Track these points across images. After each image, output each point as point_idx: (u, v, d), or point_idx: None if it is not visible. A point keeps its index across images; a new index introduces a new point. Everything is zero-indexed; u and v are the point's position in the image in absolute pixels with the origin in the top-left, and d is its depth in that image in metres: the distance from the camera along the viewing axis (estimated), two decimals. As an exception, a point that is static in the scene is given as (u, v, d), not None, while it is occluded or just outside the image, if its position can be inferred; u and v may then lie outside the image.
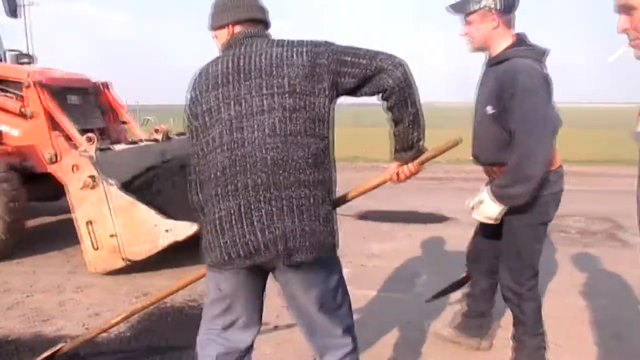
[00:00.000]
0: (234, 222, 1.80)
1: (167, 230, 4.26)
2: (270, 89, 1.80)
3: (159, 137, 5.63)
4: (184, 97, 1.97)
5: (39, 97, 5.25)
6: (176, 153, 5.54)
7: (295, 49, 1.84)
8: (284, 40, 1.89)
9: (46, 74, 5.64)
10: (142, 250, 4.35)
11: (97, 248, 4.43)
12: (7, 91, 5.47)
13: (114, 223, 4.34)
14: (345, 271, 4.57)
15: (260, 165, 1.78)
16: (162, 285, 4.31)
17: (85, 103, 6.10)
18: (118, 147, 5.12)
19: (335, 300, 2.00)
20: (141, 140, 5.68)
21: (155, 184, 4.79)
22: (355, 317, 3.36)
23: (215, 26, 1.99)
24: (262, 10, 1.99)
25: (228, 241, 1.81)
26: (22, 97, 5.35)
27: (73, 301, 4.06)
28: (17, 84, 5.42)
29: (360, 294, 4.09)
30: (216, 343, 2.02)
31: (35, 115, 5.26)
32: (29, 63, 6.86)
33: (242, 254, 1.81)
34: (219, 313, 2.00)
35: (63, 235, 5.56)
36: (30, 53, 7.31)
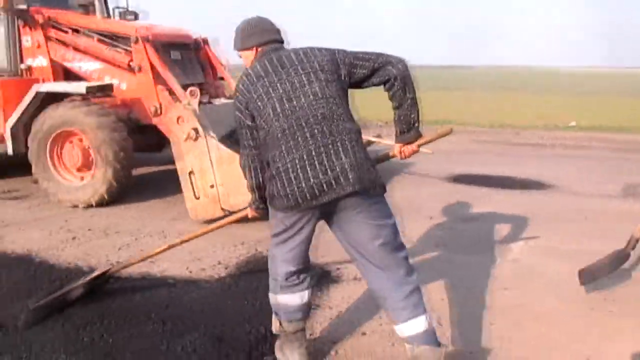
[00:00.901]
0: (299, 170, 2.20)
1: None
2: (305, 69, 2.32)
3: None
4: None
5: (146, 52, 5.50)
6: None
7: (315, 48, 2.40)
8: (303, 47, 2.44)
9: (152, 30, 5.87)
10: (239, 202, 4.50)
11: (198, 197, 4.64)
12: (117, 46, 5.76)
13: (215, 174, 4.52)
14: (438, 234, 4.55)
15: (313, 120, 2.24)
16: (256, 236, 4.49)
17: (185, 58, 6.31)
18: (218, 102, 5.29)
19: (395, 239, 2.35)
20: (238, 96, 5.80)
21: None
22: (445, 280, 3.32)
23: (241, 48, 2.53)
24: (279, 32, 2.52)
25: (295, 188, 2.20)
26: (130, 52, 5.63)
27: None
28: (126, 40, 5.70)
29: (452, 257, 4.03)
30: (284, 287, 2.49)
31: (142, 69, 5.53)
32: (134, 19, 7.18)
33: (309, 197, 2.19)
34: (284, 239, 2.40)
35: (166, 184, 5.89)
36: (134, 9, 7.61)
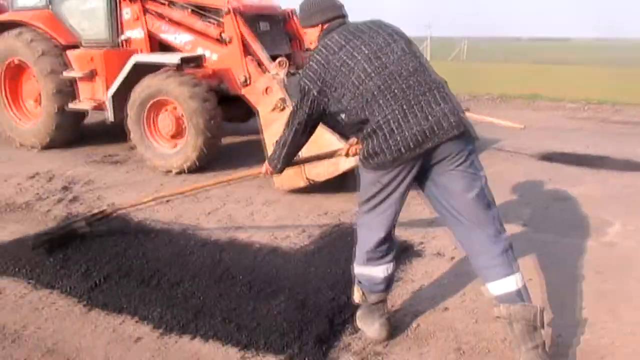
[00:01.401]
0: (400, 120, 2.25)
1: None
2: (386, 31, 2.45)
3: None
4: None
5: (236, 23, 5.62)
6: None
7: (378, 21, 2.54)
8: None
9: (242, 2, 5.98)
10: (323, 172, 4.56)
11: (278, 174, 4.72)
12: (208, 18, 5.92)
13: (299, 144, 4.57)
14: (527, 212, 4.38)
15: (405, 73, 2.31)
16: (340, 207, 4.54)
17: (273, 30, 6.39)
18: (304, 73, 5.32)
19: (487, 194, 2.38)
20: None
21: (338, 109, 4.91)
22: (534, 260, 3.24)
23: (307, 25, 2.64)
24: (341, 7, 2.61)
25: (398, 138, 2.24)
26: (221, 23, 5.77)
27: (261, 213, 4.44)
28: (217, 11, 5.84)
29: (542, 238, 3.88)
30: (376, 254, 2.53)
31: (232, 41, 5.66)
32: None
33: (412, 145, 2.24)
34: (378, 201, 2.42)
35: (251, 153, 6.05)
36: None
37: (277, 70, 4.77)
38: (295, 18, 6.79)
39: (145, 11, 6.14)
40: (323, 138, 4.47)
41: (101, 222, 3.82)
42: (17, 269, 3.36)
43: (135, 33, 6.22)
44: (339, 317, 2.81)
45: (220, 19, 5.76)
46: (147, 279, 3.20)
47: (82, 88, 6.33)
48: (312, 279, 3.23)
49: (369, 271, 2.58)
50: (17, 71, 6.74)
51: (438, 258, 3.56)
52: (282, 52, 6.17)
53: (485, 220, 2.36)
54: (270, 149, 4.71)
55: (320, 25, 2.57)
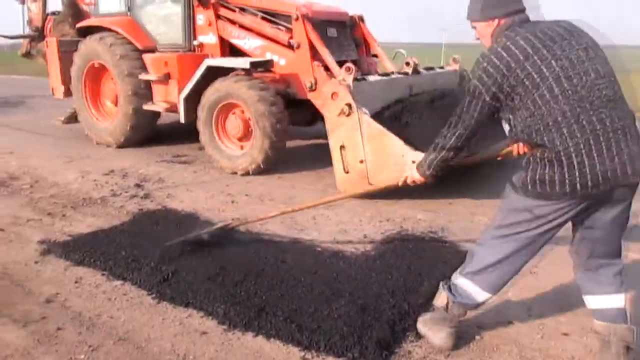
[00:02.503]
0: (584, 155, 2.05)
1: (413, 162, 4.33)
2: (580, 44, 2.14)
3: (409, 70, 5.69)
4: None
5: (305, 29, 5.71)
6: (424, 87, 5.56)
7: (570, 21, 2.24)
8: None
9: (311, 8, 6.07)
10: (387, 178, 4.52)
11: (347, 172, 4.76)
12: (278, 24, 6.05)
13: (365, 150, 4.59)
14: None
15: (598, 103, 2.06)
16: (403, 213, 4.51)
17: (341, 35, 6.44)
18: (371, 78, 5.34)
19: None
20: (392, 73, 5.81)
21: (404, 116, 4.89)
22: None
23: (479, 19, 2.34)
24: (521, 0, 2.31)
25: (577, 174, 2.06)
26: (290, 29, 5.88)
27: (324, 217, 4.48)
28: (287, 17, 5.95)
29: None
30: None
31: (300, 46, 5.76)
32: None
33: (591, 184, 2.06)
34: (520, 231, 2.28)
35: (315, 157, 6.12)
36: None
37: (344, 76, 4.80)
38: (362, 24, 6.83)
39: (218, 17, 6.34)
40: (390, 145, 4.47)
41: (224, 233, 3.84)
42: (93, 260, 3.55)
43: (208, 38, 6.44)
44: (400, 324, 2.79)
45: (290, 25, 5.87)
46: (212, 276, 3.29)
47: (157, 90, 6.62)
48: (373, 284, 3.22)
49: (473, 291, 2.48)
50: (97, 73, 7.14)
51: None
52: (349, 57, 6.21)
53: (619, 247, 2.37)
54: (336, 153, 4.77)
55: (497, 20, 2.29)
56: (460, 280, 2.52)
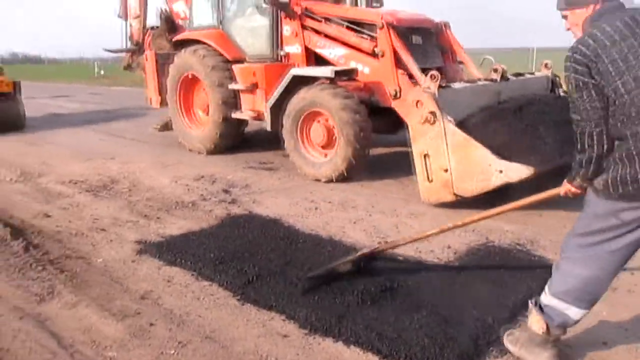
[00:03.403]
0: None
1: (500, 171, 4.23)
2: None
3: (496, 77, 5.52)
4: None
5: (389, 37, 5.71)
6: (513, 94, 5.37)
7: None
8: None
9: (396, 16, 6.06)
10: (472, 188, 4.43)
11: (431, 180, 4.69)
12: (362, 32, 6.09)
13: (449, 158, 4.51)
14: None
15: None
16: (487, 224, 4.37)
17: (426, 43, 6.37)
18: (456, 86, 5.24)
19: None
20: (479, 80, 5.67)
21: (491, 124, 4.75)
22: None
23: (574, 6, 2.26)
24: None
25: None
26: (374, 37, 5.90)
27: (406, 225, 4.44)
28: (371, 26, 5.98)
29: None
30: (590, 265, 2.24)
31: (384, 54, 5.76)
32: (380, 6, 7.49)
33: None
34: (607, 238, 2.17)
35: (399, 166, 6.07)
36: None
37: (428, 84, 4.75)
38: (448, 31, 6.72)
39: (304, 27, 6.48)
40: (476, 153, 4.36)
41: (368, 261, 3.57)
42: (183, 261, 3.74)
43: (294, 48, 6.60)
44: (484, 338, 2.71)
45: (374, 34, 5.89)
46: (294, 281, 3.37)
47: (244, 99, 6.87)
48: (456, 296, 3.16)
49: (565, 309, 2.36)
50: (190, 83, 7.52)
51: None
52: (434, 65, 6.13)
53: None
54: (419, 161, 4.73)
55: (585, 7, 2.22)
56: (551, 300, 2.40)
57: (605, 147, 2.14)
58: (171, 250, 3.91)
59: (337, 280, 3.36)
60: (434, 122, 4.55)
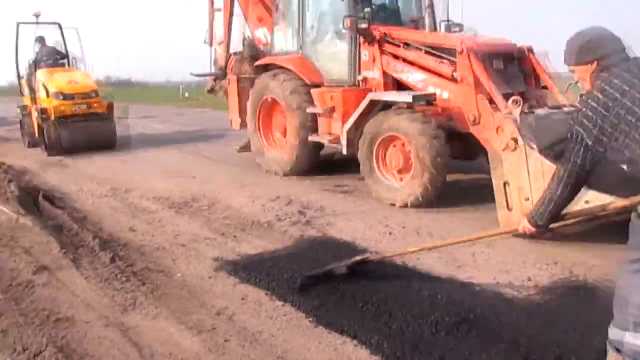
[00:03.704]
0: None
1: (586, 202, 4.00)
2: None
3: (584, 103, 5.27)
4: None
5: (470, 62, 5.62)
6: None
7: None
8: None
9: (476, 41, 5.97)
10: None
11: (511, 209, 4.53)
12: (441, 57, 6.03)
13: (531, 187, 4.34)
14: None
15: None
16: (574, 257, 4.15)
17: (508, 67, 6.20)
18: (540, 111, 5.05)
19: None
20: (564, 106, 5.45)
21: (577, 152, 4.53)
22: None
23: (575, 62, 2.38)
24: (620, 40, 2.32)
25: None
26: (454, 62, 5.83)
27: (484, 254, 4.29)
28: (451, 51, 5.92)
29: None
30: None
31: (464, 79, 5.67)
32: (459, 31, 7.41)
33: None
34: None
35: (477, 193, 5.91)
36: (460, 21, 7.81)
37: (510, 109, 4.62)
38: (532, 55, 6.51)
39: (382, 52, 6.51)
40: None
41: (360, 267, 3.83)
42: (258, 280, 3.81)
43: (372, 73, 6.64)
44: (568, 379, 2.55)
45: (454, 58, 5.82)
46: (367, 306, 3.33)
47: (322, 123, 6.97)
48: (537, 332, 3.00)
49: (636, 340, 2.21)
50: (270, 107, 7.74)
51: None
52: (516, 90, 5.95)
53: None
54: (499, 189, 4.58)
55: (595, 63, 2.32)
56: (617, 334, 2.25)
57: (566, 198, 2.40)
58: (246, 269, 4.00)
59: (332, 281, 3.67)
60: (516, 148, 4.41)
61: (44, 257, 4.43)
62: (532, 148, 4.37)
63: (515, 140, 4.41)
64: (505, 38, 6.65)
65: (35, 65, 11.28)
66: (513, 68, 6.29)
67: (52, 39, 11.87)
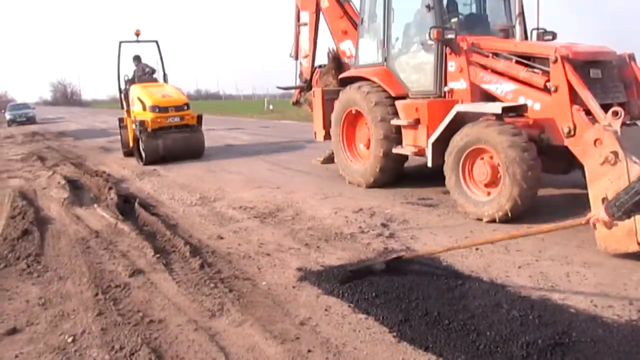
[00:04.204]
0: None
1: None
2: None
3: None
4: None
5: (564, 71, 5.36)
6: None
7: None
8: None
9: (571, 49, 5.67)
10: (662, 239, 3.92)
11: (610, 227, 4.22)
12: (533, 67, 5.79)
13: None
14: None
15: None
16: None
17: (607, 76, 5.85)
18: (644, 124, 4.72)
19: None
20: (671, 118, 5.06)
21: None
22: None
23: None
24: None
25: None
26: (547, 72, 5.57)
27: (579, 275, 4.04)
28: (543, 60, 5.67)
29: None
30: None
31: (558, 89, 5.41)
32: (552, 39, 7.09)
33: None
34: None
35: (569, 208, 5.59)
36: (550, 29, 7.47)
37: (609, 120, 4.35)
38: (634, 63, 6.10)
39: (470, 63, 6.36)
40: None
41: (398, 264, 4.13)
42: (341, 292, 3.81)
43: (458, 84, 6.49)
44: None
45: (547, 68, 5.57)
46: (452, 324, 3.24)
47: (406, 135, 6.89)
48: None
49: None
50: (354, 119, 7.78)
51: None
52: (616, 100, 5.60)
53: None
54: (596, 204, 4.30)
55: None
56: None
57: None
58: (330, 280, 4.01)
59: (372, 275, 3.99)
60: (616, 162, 4.13)
61: (140, 261, 4.69)
62: (635, 162, 4.11)
63: (616, 154, 4.13)
64: (605, 45, 6.29)
65: (133, 81, 12.13)
66: (612, 77, 5.93)
67: (146, 56, 12.79)
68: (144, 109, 11.07)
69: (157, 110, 10.92)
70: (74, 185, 8.40)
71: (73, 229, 5.84)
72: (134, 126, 11.35)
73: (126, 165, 10.91)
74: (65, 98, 66.47)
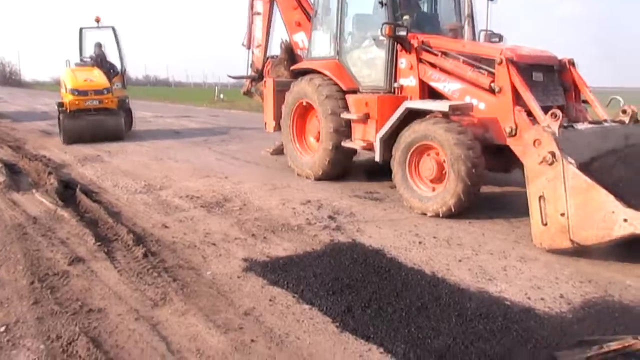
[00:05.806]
0: None
1: (625, 220, 3.91)
2: None
3: (625, 119, 5.16)
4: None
5: (508, 73, 5.54)
6: (644, 138, 4.97)
7: None
8: None
9: (516, 52, 5.86)
10: (592, 236, 4.13)
11: (545, 224, 4.43)
12: (479, 67, 5.96)
13: (567, 202, 4.24)
14: None
15: None
16: (607, 276, 4.06)
17: (548, 80, 6.09)
18: (580, 126, 4.96)
19: None
20: (605, 121, 5.33)
21: (617, 168, 4.43)
22: None
23: None
24: None
25: None
26: (492, 73, 5.75)
27: (515, 269, 4.21)
28: (489, 61, 5.84)
29: None
30: None
31: (502, 90, 5.59)
32: (499, 41, 7.32)
33: None
34: None
35: (509, 205, 5.83)
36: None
37: (548, 122, 4.54)
38: (573, 69, 6.39)
39: (420, 61, 6.47)
40: (598, 199, 4.08)
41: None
42: (286, 282, 3.83)
43: (408, 81, 6.61)
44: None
45: (492, 69, 5.75)
46: (393, 315, 3.31)
47: (356, 129, 6.96)
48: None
49: None
50: (304, 111, 7.79)
51: None
52: (556, 103, 5.85)
53: None
54: (534, 203, 4.49)
55: None
56: None
57: None
58: (275, 271, 4.02)
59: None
60: (553, 162, 4.32)
61: (80, 249, 4.55)
62: (570, 163, 4.31)
63: (553, 154, 4.32)
64: (547, 50, 6.54)
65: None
66: (553, 81, 6.18)
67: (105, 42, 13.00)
68: (66, 91, 11.58)
69: (77, 93, 11.38)
70: (11, 170, 8.03)
71: (9, 215, 5.59)
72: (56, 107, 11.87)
73: (68, 150, 10.51)
74: (4, 78, 63.32)
